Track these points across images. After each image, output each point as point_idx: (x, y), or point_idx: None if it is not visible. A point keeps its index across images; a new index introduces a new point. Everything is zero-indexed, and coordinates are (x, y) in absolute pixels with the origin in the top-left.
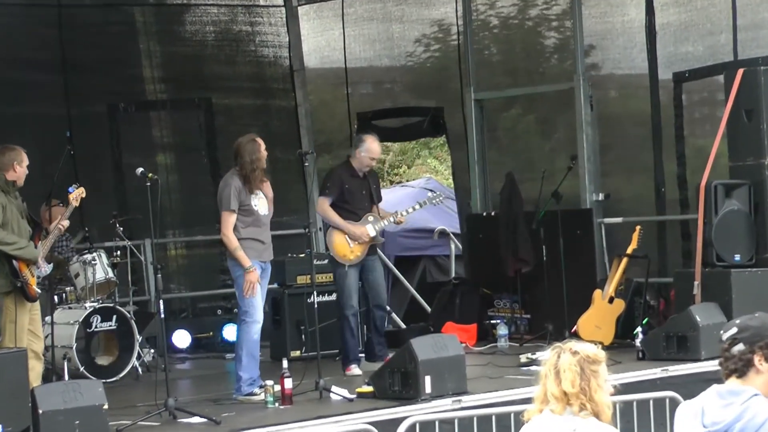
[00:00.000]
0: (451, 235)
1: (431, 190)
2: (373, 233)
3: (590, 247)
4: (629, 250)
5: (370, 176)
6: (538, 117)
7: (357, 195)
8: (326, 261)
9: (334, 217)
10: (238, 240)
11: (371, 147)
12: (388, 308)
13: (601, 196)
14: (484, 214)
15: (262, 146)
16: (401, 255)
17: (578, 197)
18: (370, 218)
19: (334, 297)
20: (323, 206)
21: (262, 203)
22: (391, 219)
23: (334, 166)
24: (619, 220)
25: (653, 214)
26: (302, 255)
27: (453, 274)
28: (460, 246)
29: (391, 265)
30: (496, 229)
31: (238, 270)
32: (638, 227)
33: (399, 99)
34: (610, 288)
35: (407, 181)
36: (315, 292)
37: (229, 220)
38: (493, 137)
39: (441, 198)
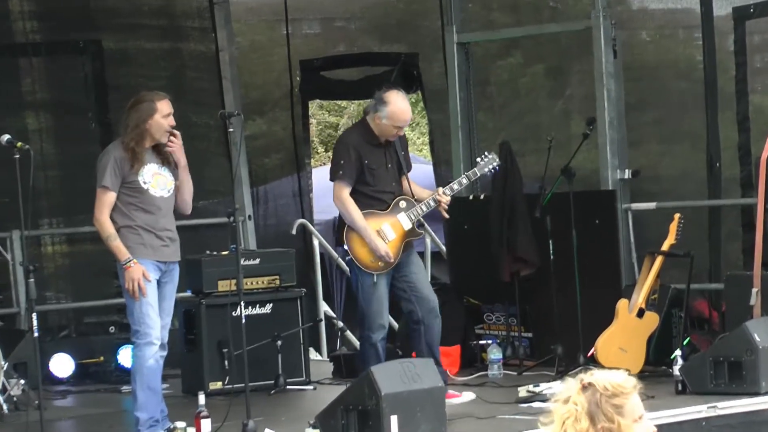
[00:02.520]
0: (426, 226)
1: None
2: (408, 225)
3: (613, 242)
4: (665, 246)
5: (396, 139)
6: (545, 67)
7: (381, 171)
8: (257, 261)
9: (356, 216)
10: (120, 228)
11: (396, 111)
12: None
13: (627, 174)
14: (471, 197)
15: (165, 110)
16: None
17: (597, 175)
18: (402, 204)
19: (268, 309)
20: (340, 196)
21: (160, 182)
22: (431, 202)
23: (345, 130)
24: (651, 205)
25: (703, 196)
26: (225, 253)
27: (428, 279)
28: (438, 241)
29: None
30: (487, 218)
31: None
32: (677, 215)
33: (357, 42)
34: (640, 297)
35: None
36: (242, 303)
37: (103, 199)
38: (483, 93)
39: (495, 164)
